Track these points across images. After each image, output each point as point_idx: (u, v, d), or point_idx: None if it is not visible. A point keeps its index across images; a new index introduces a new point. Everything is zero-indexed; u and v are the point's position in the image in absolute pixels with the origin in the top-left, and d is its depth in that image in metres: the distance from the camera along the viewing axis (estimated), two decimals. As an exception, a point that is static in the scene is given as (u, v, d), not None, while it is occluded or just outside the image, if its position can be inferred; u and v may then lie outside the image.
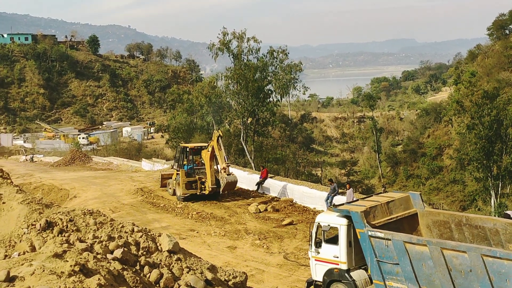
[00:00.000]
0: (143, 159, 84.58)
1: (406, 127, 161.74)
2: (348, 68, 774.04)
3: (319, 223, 24.71)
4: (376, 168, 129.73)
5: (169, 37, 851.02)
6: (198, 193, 47.71)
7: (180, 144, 56.68)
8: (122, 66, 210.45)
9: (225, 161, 42.73)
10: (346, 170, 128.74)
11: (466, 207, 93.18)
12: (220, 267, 19.51)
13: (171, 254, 17.17)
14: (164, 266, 16.38)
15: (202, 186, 47.43)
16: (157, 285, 15.45)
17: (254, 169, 65.83)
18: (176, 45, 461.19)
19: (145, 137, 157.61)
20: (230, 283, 17.52)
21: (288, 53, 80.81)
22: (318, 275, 24.91)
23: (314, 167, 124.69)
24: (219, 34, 77.19)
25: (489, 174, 72.61)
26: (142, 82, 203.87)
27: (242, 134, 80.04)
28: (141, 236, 17.40)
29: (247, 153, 79.92)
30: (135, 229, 17.85)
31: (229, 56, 77.97)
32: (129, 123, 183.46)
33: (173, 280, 15.61)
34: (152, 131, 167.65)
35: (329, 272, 24.32)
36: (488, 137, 71.57)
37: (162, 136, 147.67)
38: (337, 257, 24.04)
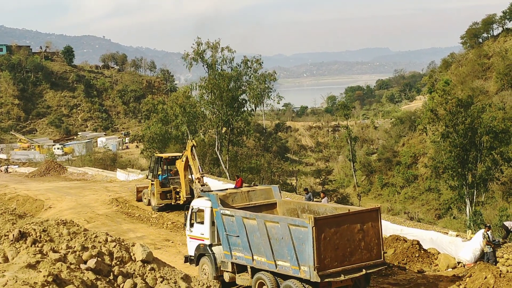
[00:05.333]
0: (118, 169, 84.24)
1: (380, 136, 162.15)
2: (322, 77, 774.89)
3: (192, 206, 29.81)
4: (351, 177, 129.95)
5: (144, 47, 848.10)
6: (173, 203, 47.69)
7: (155, 154, 56.54)
8: (97, 77, 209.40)
9: (199, 171, 42.77)
10: (321, 179, 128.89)
11: (441, 216, 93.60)
12: (194, 277, 19.56)
13: (145, 264, 17.21)
14: (137, 276, 16.41)
15: (177, 196, 47.39)
16: (131, 294, 15.48)
17: (229, 178, 65.91)
18: (150, 55, 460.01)
19: (120, 147, 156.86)
20: (204, 292, 17.58)
21: (262, 62, 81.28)
22: (191, 250, 29.72)
23: (289, 176, 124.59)
24: (193, 44, 77.50)
25: (464, 183, 72.84)
26: (117, 93, 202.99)
27: (216, 144, 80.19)
28: (114, 246, 17.41)
29: (221, 163, 80.00)
30: (109, 239, 17.86)
31: (203, 66, 78.28)
32: (104, 133, 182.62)
33: (147, 290, 15.66)
34: (127, 141, 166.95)
35: (198, 247, 29.02)
36: (462, 145, 71.84)
37: (137, 146, 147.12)
38: (203, 234, 28.73)
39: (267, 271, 25.41)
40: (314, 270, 22.94)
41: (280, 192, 30.52)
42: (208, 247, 28.42)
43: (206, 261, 28.60)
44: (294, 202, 31.08)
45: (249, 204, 28.96)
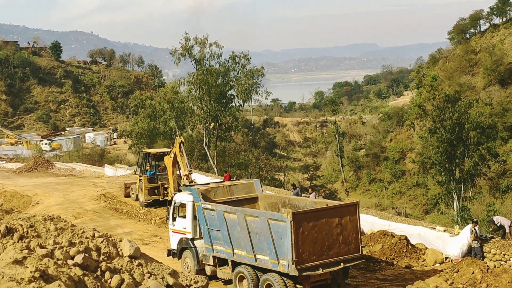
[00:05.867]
0: (106, 164, 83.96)
1: (368, 131, 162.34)
2: (310, 72, 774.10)
3: (174, 201, 30.50)
4: (339, 172, 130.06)
5: (132, 43, 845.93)
6: (161, 199, 47.62)
7: (143, 150, 56.40)
8: (85, 72, 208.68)
9: (187, 167, 42.69)
10: (309, 174, 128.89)
11: (429, 211, 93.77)
12: (182, 272, 19.54)
13: (132, 260, 17.17)
14: (125, 271, 16.37)
15: (165, 192, 47.31)
16: (118, 290, 15.44)
17: (217, 174, 65.84)
18: (138, 50, 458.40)
19: (108, 143, 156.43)
20: None
21: (250, 58, 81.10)
22: (173, 244, 30.42)
23: (277, 171, 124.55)
24: (181, 39, 77.31)
25: (451, 178, 73.07)
26: (105, 88, 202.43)
27: (204, 139, 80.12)
28: (102, 242, 17.37)
29: (210, 158, 79.93)
30: (96, 234, 17.81)
31: (191, 61, 78.16)
32: (92, 129, 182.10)
33: (134, 286, 15.61)
34: (115, 136, 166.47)
35: (180, 241, 29.68)
36: (450, 140, 72.04)
37: (125, 142, 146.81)
38: (185, 228, 29.44)
39: (247, 264, 25.99)
40: (292, 264, 23.52)
41: (261, 186, 31.28)
42: (190, 241, 29.11)
43: (188, 255, 29.26)
44: (275, 196, 31.98)
45: (230, 198, 29.59)
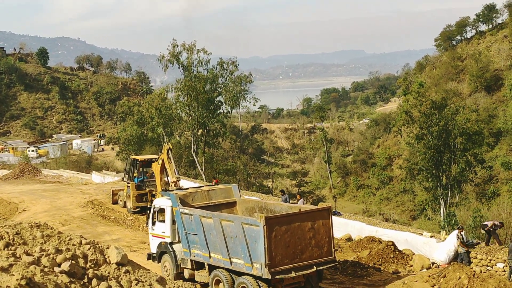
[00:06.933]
0: (93, 171, 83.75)
1: (356, 137, 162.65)
2: (298, 79, 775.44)
3: (154, 206, 31.03)
4: (327, 178, 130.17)
5: (119, 49, 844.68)
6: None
7: (131, 156, 56.27)
8: (72, 79, 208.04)
9: (175, 174, 42.63)
10: (297, 181, 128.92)
11: (416, 217, 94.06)
12: (171, 280, 19.54)
13: (120, 267, 17.14)
14: (112, 278, 16.35)
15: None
16: (105, 297, 15.40)
17: (205, 180, 65.84)
18: (126, 57, 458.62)
19: (95, 150, 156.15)
20: (178, 294, 17.55)
21: (238, 64, 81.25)
22: (153, 248, 30.99)
23: (265, 178, 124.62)
24: (169, 46, 77.32)
25: (438, 184, 73.32)
26: (92, 94, 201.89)
27: (192, 146, 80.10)
28: (89, 249, 17.33)
29: (198, 165, 79.91)
30: (83, 241, 17.77)
31: (179, 68, 78.15)
32: (79, 135, 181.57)
33: (121, 292, 15.59)
34: (102, 143, 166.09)
35: (159, 245, 30.21)
36: (437, 147, 72.31)
37: (113, 149, 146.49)
38: (164, 232, 29.94)
39: (223, 268, 26.57)
40: (266, 267, 24.15)
41: (239, 191, 31.90)
42: (169, 245, 29.65)
43: (167, 259, 29.74)
44: (253, 201, 32.42)
45: (209, 203, 30.18)
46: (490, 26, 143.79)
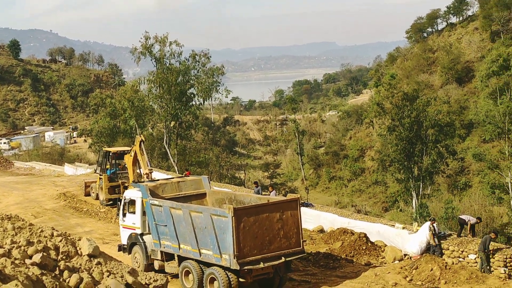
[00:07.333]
0: (66, 163, 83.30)
1: (328, 129, 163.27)
2: (270, 71, 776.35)
3: (124, 197, 31.22)
4: (299, 170, 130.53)
5: (91, 41, 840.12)
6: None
7: (103, 149, 56.00)
8: (44, 71, 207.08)
9: (147, 166, 42.52)
10: (269, 172, 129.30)
11: (388, 208, 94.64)
12: (141, 271, 19.48)
13: (91, 258, 17.03)
14: (84, 270, 16.25)
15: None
16: (77, 289, 15.30)
17: (177, 172, 65.73)
18: (98, 49, 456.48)
19: (68, 142, 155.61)
20: (150, 286, 17.45)
21: (210, 56, 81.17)
22: (123, 239, 31.10)
23: (238, 170, 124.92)
24: (141, 38, 76.93)
25: (410, 175, 73.64)
26: (65, 87, 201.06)
27: (165, 138, 79.95)
28: (60, 241, 17.20)
29: (170, 157, 79.82)
30: (55, 233, 17.64)
31: (151, 60, 77.74)
32: (52, 127, 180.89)
33: (93, 285, 15.49)
34: (74, 135, 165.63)
35: (130, 236, 30.31)
36: (408, 138, 72.64)
37: (85, 141, 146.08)
38: (135, 224, 30.05)
39: (192, 259, 26.71)
40: (234, 258, 24.39)
41: (209, 183, 32.03)
42: (139, 236, 29.74)
43: (137, 250, 29.85)
44: (223, 193, 32.53)
45: (179, 194, 30.21)
46: (461, 18, 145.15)
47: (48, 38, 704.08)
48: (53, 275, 15.17)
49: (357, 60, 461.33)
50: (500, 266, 27.68)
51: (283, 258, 25.55)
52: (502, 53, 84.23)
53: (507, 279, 27.12)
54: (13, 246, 16.10)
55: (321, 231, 36.95)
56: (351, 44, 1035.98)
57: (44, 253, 15.89)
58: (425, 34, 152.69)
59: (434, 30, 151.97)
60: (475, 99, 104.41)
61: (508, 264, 27.74)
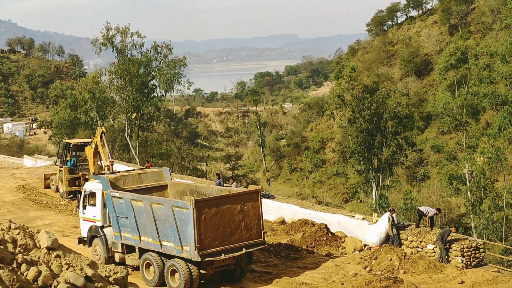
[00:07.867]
0: (25, 155, 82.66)
1: (289, 121, 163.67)
2: (232, 63, 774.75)
3: (84, 189, 31.02)
4: (261, 162, 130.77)
5: (52, 31, 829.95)
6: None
7: (63, 140, 55.65)
8: (3, 61, 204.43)
9: (109, 158, 42.33)
10: (231, 164, 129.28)
11: (348, 199, 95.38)
12: (101, 263, 19.44)
13: (50, 251, 16.94)
14: (42, 263, 16.16)
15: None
16: (35, 283, 15.22)
17: (139, 164, 65.58)
18: (58, 39, 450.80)
19: (27, 133, 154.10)
20: (110, 279, 17.43)
21: (172, 48, 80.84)
22: (84, 232, 30.89)
23: (199, 161, 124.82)
24: (102, 29, 76.38)
25: (370, 167, 74.33)
26: (24, 78, 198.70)
27: (126, 130, 79.60)
28: (18, 234, 17.10)
29: (131, 149, 79.50)
30: (12, 226, 17.51)
31: (112, 51, 77.24)
32: (11, 119, 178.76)
33: (52, 277, 15.42)
34: (34, 127, 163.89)
35: (90, 229, 30.09)
36: (368, 130, 73.29)
37: (45, 132, 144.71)
38: (95, 216, 29.88)
39: (153, 251, 26.80)
40: (195, 250, 24.63)
41: (171, 175, 32.06)
42: (99, 229, 29.59)
43: (98, 242, 29.70)
44: (184, 184, 32.49)
45: (140, 186, 30.15)
46: (420, 12, 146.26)
47: (6, 28, 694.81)
48: (10, 268, 15.09)
49: (318, 52, 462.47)
50: (457, 256, 28.12)
51: (244, 249, 25.77)
52: (460, 47, 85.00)
53: (464, 269, 27.57)
54: (-30, 239, 15.97)
55: (282, 222, 37.13)
56: (313, 36, 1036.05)
57: (1, 246, 15.80)
58: (385, 27, 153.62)
59: (394, 23, 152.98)
60: (434, 92, 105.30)
61: (465, 254, 28.21)
